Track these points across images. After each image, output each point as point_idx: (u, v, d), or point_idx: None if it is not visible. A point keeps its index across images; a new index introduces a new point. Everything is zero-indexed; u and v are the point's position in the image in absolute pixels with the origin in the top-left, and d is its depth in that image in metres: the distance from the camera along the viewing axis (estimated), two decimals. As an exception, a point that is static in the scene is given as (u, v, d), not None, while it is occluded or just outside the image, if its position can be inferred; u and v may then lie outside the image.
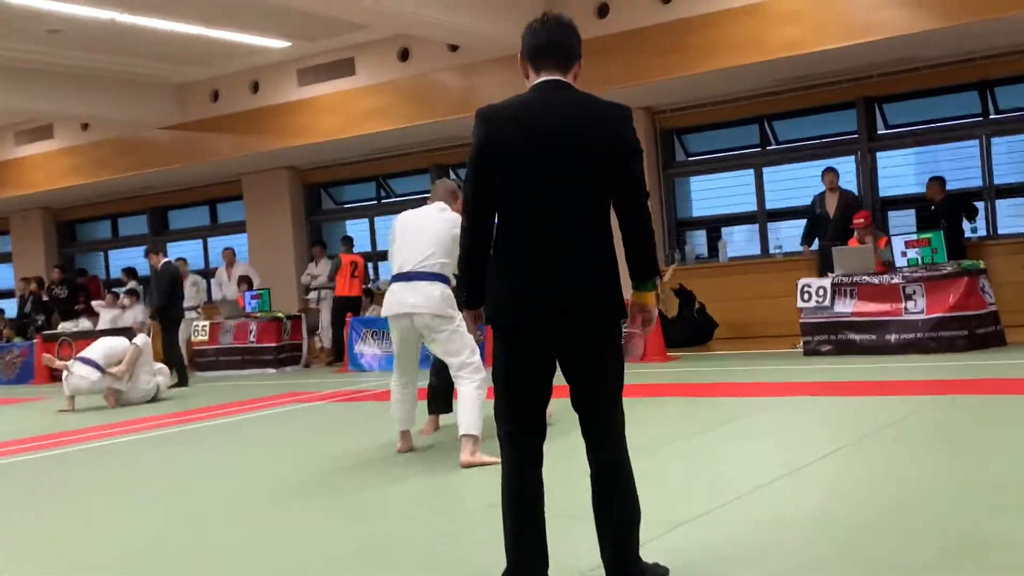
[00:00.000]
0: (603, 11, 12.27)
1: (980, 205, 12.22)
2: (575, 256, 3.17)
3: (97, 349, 11.15)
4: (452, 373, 6.03)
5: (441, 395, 7.00)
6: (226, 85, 15.36)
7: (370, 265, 16.64)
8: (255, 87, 15.14)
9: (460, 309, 3.50)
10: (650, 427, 6.57)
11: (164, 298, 12.78)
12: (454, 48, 13.15)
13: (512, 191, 3.24)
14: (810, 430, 6.31)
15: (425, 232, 5.96)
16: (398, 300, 5.91)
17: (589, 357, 3.23)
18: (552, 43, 3.29)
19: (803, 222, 12.54)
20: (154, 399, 11.28)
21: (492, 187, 3.25)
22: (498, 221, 3.29)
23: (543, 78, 3.30)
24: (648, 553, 3.37)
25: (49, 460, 7.55)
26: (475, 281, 3.34)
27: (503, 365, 3.27)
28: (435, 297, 5.82)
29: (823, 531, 3.87)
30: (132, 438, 8.35)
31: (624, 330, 3.36)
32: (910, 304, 9.77)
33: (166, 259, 13.14)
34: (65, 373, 11.12)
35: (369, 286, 15.78)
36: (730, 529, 4.00)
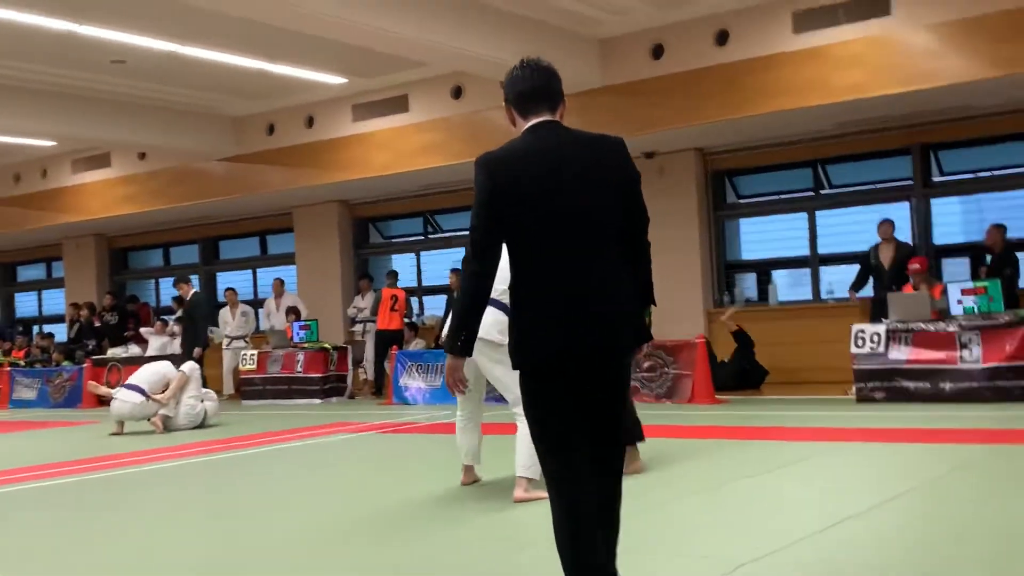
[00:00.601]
0: (658, 52, 12.31)
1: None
2: (611, 286, 3.26)
3: (142, 375, 11.29)
4: (510, 409, 5.89)
5: None
6: (281, 119, 15.58)
7: (414, 300, 16.71)
8: (310, 121, 15.33)
9: (447, 352, 3.47)
10: (703, 467, 6.51)
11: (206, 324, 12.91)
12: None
13: (534, 232, 3.28)
14: (862, 477, 6.21)
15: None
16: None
17: (618, 387, 3.32)
18: (537, 88, 3.41)
19: (855, 267, 12.42)
20: (202, 424, 11.36)
21: (503, 232, 3.30)
22: (518, 264, 3.32)
23: (534, 120, 3.40)
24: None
25: (93, 482, 7.61)
26: (474, 329, 3.36)
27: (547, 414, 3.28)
28: (486, 324, 5.66)
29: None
30: (178, 463, 8.40)
31: None
32: (965, 353, 9.62)
33: (195, 289, 13.31)
34: (113, 399, 11.26)
35: (414, 320, 15.84)
36: (784, 571, 3.94)
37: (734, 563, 4.01)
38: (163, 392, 11.12)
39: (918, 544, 4.32)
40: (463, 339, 3.34)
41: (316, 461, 8.31)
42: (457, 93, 13.95)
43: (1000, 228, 11.56)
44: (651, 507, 5.35)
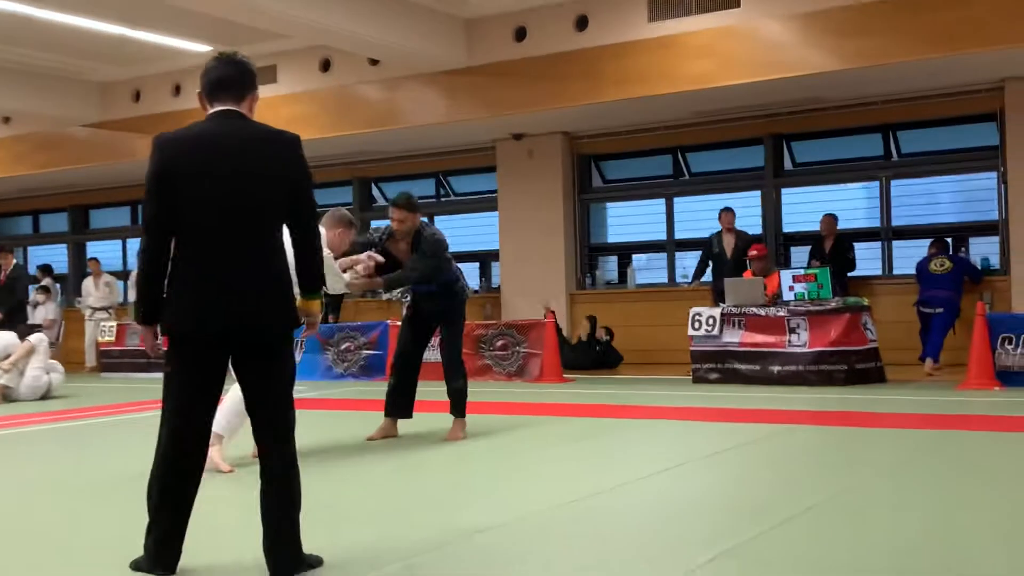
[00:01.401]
0: (521, 34, 12.43)
1: (878, 244, 12.57)
2: (256, 272, 3.57)
3: None
4: None
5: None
6: (148, 86, 15.30)
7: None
8: (176, 90, 15.09)
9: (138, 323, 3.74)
10: (497, 441, 6.71)
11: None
12: (375, 62, 13.24)
13: (192, 214, 3.52)
14: (652, 450, 6.44)
15: None
16: None
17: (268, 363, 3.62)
18: (224, 78, 3.65)
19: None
20: (45, 396, 11.17)
21: (171, 210, 3.53)
22: (177, 242, 3.56)
23: (217, 108, 3.64)
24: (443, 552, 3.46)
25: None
26: (156, 299, 3.61)
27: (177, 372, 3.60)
28: None
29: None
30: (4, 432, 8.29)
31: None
32: (794, 337, 10.00)
33: (16, 261, 13.07)
34: None
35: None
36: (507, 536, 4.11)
37: (471, 530, 4.17)
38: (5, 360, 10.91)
39: (650, 516, 4.53)
40: (145, 311, 3.66)
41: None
42: (325, 66, 13.89)
43: (832, 218, 12.01)
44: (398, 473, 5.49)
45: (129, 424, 8.70)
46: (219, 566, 3.75)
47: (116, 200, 18.66)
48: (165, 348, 3.66)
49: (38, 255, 19.82)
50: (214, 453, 5.62)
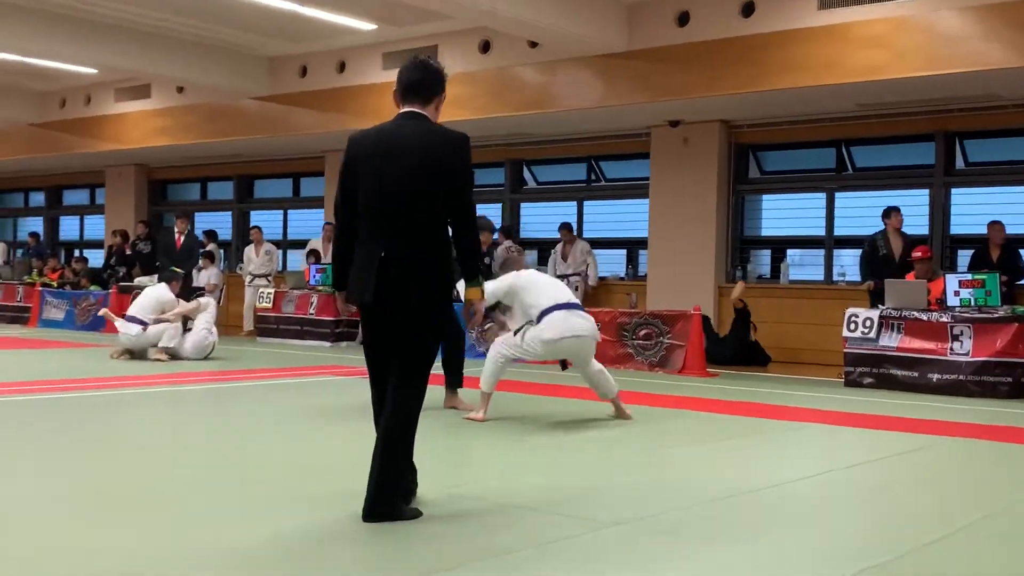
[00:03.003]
0: (683, 19, 12.21)
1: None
2: (409, 255, 4.00)
3: (139, 303, 11.59)
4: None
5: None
6: (314, 62, 15.72)
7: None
8: (341, 67, 15.45)
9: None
10: (636, 431, 6.61)
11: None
12: (534, 44, 13.23)
13: (367, 200, 4.01)
14: (798, 453, 6.24)
15: (558, 283, 7.43)
16: (571, 325, 6.98)
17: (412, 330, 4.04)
18: (413, 82, 4.12)
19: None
20: (208, 356, 11.63)
21: (354, 197, 4.06)
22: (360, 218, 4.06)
23: (405, 109, 4.12)
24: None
25: (64, 402, 7.89)
26: (343, 270, 4.14)
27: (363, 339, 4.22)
28: (592, 325, 7.18)
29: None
30: (153, 391, 8.65)
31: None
32: (956, 344, 9.53)
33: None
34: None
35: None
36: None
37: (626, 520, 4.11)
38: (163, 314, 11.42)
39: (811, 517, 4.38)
40: (334, 276, 4.19)
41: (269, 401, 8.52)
42: (485, 47, 13.97)
43: (999, 224, 11.38)
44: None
45: (287, 388, 8.98)
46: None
47: (279, 172, 19.29)
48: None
49: (204, 221, 20.65)
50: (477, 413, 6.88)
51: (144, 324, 11.32)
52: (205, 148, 18.20)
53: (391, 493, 3.92)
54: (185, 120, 17.63)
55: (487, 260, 14.21)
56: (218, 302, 17.12)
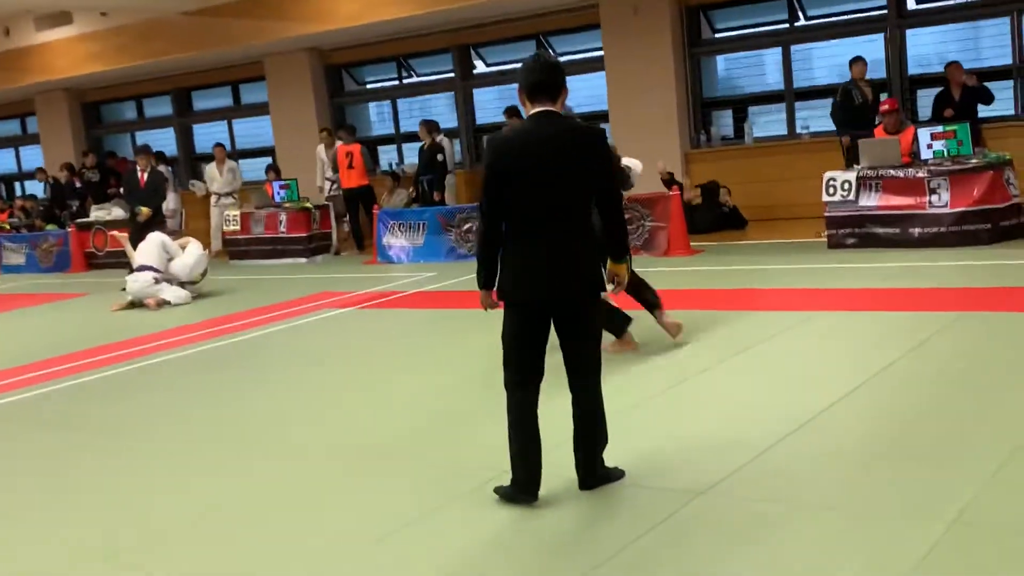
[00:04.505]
0: None
1: (1009, 84, 12.08)
2: (573, 248, 4.22)
3: (148, 254, 11.47)
4: None
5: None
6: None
7: (392, 148, 16.72)
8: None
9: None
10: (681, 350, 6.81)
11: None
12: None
13: (520, 200, 4.16)
14: (817, 362, 6.47)
15: None
16: None
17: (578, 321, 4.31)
18: (543, 82, 4.17)
19: (830, 101, 12.38)
20: (196, 283, 11.68)
21: (504, 199, 4.18)
22: (511, 222, 4.21)
23: (537, 109, 4.18)
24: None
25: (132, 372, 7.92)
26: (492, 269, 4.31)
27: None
28: None
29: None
30: (181, 354, 8.68)
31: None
32: (934, 198, 9.80)
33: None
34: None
35: (394, 169, 15.91)
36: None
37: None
38: (168, 261, 11.47)
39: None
40: (484, 278, 4.32)
41: (315, 351, 8.61)
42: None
43: (956, 65, 11.54)
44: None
45: (295, 334, 9.06)
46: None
47: (217, 81, 18.74)
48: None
49: (145, 140, 20.12)
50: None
51: (156, 271, 11.32)
52: (137, 66, 17.60)
53: (601, 462, 4.44)
54: (116, 43, 17.02)
55: (439, 157, 14.16)
56: (180, 226, 16.97)
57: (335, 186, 15.26)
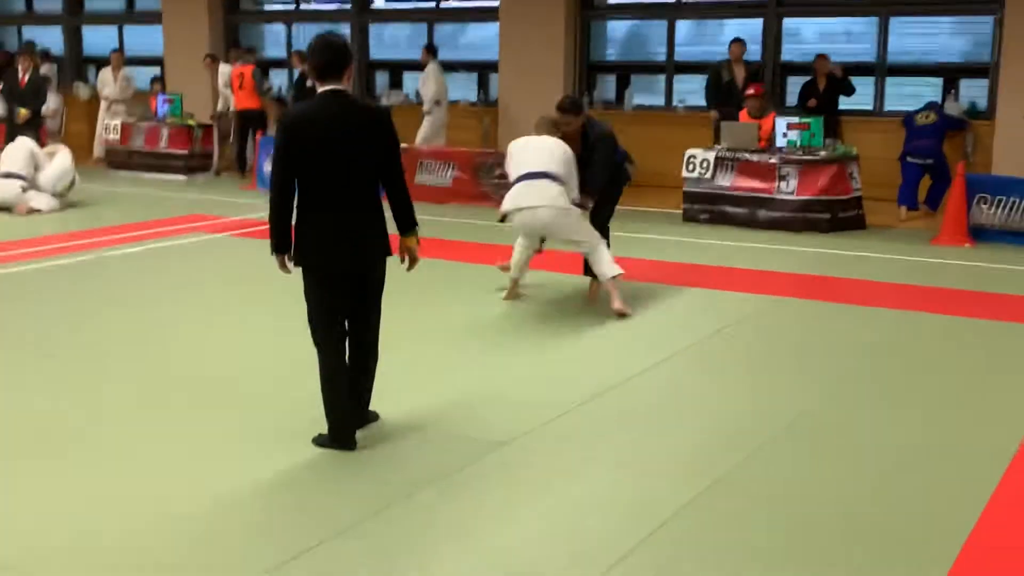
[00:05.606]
0: None
1: (871, 81, 12.87)
2: (365, 217, 4.60)
3: (13, 159, 11.37)
4: (580, 249, 7.22)
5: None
6: None
7: (283, 73, 16.72)
8: None
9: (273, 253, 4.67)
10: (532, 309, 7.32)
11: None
12: None
13: (314, 174, 4.47)
14: (639, 335, 7.07)
15: (542, 149, 6.97)
16: (520, 198, 6.90)
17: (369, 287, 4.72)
18: (329, 62, 4.49)
19: (705, 79, 13.00)
20: (64, 195, 11.66)
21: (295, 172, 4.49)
22: (304, 193, 4.51)
23: (326, 88, 4.51)
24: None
25: None
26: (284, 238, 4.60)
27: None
28: (553, 194, 6.84)
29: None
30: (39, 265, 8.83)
31: None
32: (783, 184, 10.49)
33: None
34: None
35: (281, 96, 15.95)
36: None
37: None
38: (35, 171, 11.38)
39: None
40: (275, 242, 4.61)
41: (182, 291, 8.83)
42: None
43: (824, 58, 12.28)
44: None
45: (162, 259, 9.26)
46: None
47: (110, -17, 18.37)
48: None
49: (33, 36, 19.61)
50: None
51: (23, 178, 11.22)
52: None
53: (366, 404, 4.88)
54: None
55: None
56: (60, 128, 16.70)
57: (228, 106, 15.19)
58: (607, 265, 7.09)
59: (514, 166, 7.09)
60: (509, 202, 6.99)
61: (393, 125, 4.65)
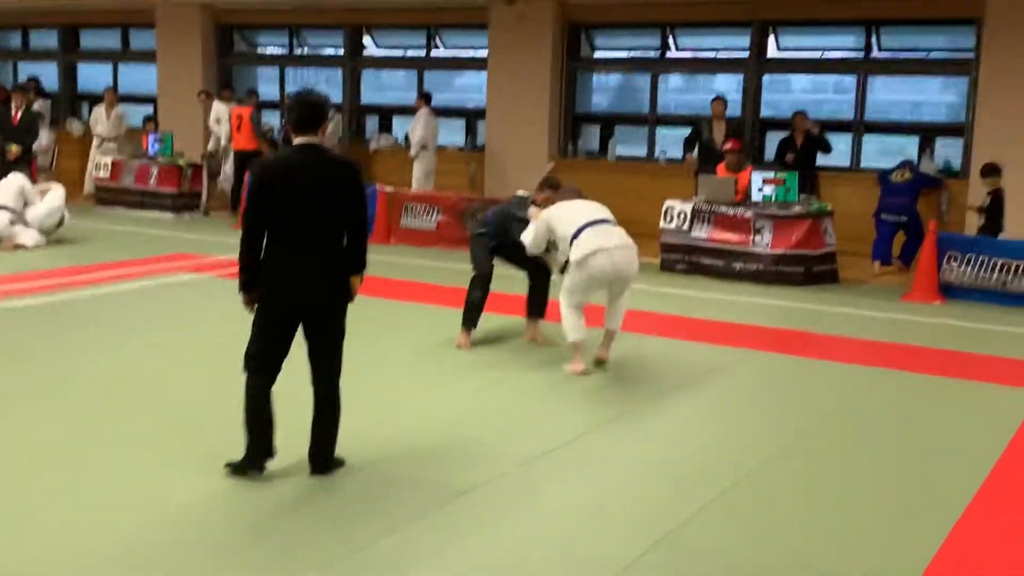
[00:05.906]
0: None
1: (849, 137, 13.15)
2: (327, 262, 4.87)
3: (6, 193, 11.52)
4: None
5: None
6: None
7: (276, 115, 16.97)
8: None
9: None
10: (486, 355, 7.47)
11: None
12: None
13: (282, 223, 4.74)
14: (598, 392, 7.24)
15: (590, 204, 7.14)
16: (600, 240, 6.78)
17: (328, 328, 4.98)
18: (306, 117, 4.80)
19: (687, 130, 13.30)
20: (53, 233, 11.80)
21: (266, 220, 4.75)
22: (272, 240, 4.79)
23: (300, 141, 4.81)
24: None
25: None
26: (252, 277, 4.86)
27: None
28: (626, 236, 7.03)
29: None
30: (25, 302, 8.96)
31: None
32: (758, 237, 10.70)
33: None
34: None
35: (273, 137, 16.16)
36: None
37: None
38: (24, 206, 11.52)
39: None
40: (244, 280, 4.86)
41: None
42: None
43: (802, 115, 12.58)
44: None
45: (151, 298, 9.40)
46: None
47: (106, 22, 18.63)
48: None
49: (29, 72, 19.86)
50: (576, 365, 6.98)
51: (12, 211, 11.38)
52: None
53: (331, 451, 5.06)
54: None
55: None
56: (51, 164, 16.88)
57: (221, 145, 15.38)
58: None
59: (568, 222, 6.85)
60: (586, 245, 6.68)
61: (362, 179, 4.96)
